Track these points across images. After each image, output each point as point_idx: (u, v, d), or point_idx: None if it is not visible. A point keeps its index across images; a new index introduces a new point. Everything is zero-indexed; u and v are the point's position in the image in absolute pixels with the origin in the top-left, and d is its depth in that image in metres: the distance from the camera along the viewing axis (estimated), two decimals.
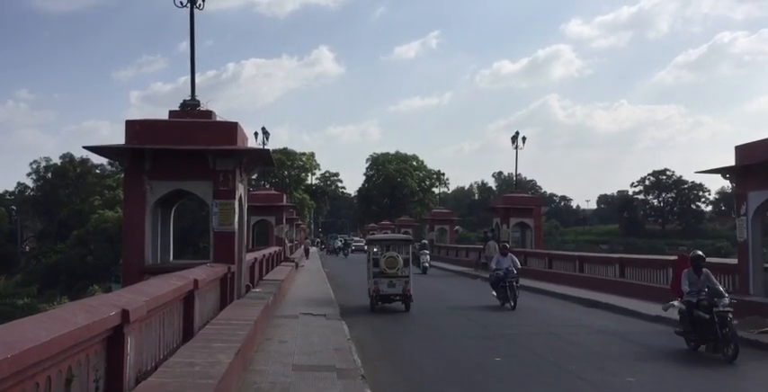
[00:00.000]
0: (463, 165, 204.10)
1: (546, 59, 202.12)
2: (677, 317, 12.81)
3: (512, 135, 38.41)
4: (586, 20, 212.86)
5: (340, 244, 64.66)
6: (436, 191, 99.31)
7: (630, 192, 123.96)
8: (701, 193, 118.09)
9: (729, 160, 16.78)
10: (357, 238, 76.92)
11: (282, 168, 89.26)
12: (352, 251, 61.33)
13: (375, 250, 19.55)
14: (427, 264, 35.55)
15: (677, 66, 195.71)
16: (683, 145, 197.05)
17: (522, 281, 25.34)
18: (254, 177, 28.19)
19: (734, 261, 17.65)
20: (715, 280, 12.54)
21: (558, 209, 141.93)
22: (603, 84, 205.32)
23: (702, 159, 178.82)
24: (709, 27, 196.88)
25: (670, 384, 9.89)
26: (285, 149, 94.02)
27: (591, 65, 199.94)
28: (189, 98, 13.86)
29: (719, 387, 9.71)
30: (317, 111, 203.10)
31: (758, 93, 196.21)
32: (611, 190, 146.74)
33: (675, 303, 12.74)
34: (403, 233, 59.65)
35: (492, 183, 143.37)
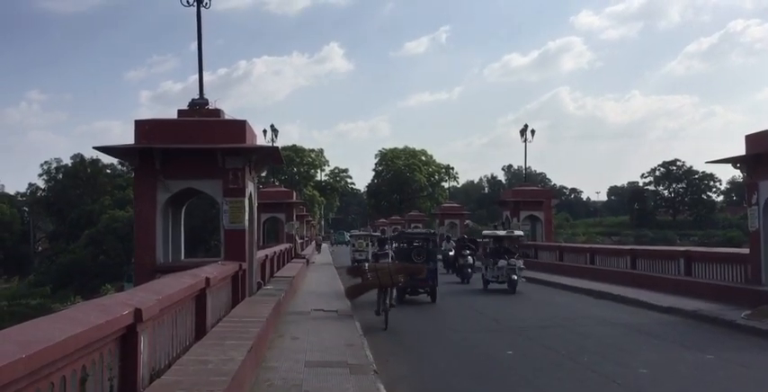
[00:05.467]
0: (473, 159, 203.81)
1: (556, 52, 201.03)
2: (686, 308, 12.77)
3: (521, 128, 38.34)
4: (596, 11, 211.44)
5: (348, 239, 75.37)
6: (445, 185, 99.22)
7: (641, 183, 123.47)
8: (712, 183, 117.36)
9: (742, 150, 16.70)
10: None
11: (291, 165, 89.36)
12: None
13: (356, 240, 38.16)
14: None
15: (688, 56, 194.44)
16: (695, 135, 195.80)
17: (533, 274, 25.42)
18: (263, 174, 28.26)
19: (746, 250, 17.59)
20: None
21: (569, 202, 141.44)
22: (614, 76, 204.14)
23: (715, 149, 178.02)
24: (720, 16, 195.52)
25: (683, 375, 9.87)
26: (294, 146, 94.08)
27: (601, 56, 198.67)
28: (197, 97, 13.91)
29: (732, 378, 9.68)
30: (326, 107, 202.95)
31: None
32: (622, 181, 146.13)
33: None
34: (413, 227, 61.79)
35: (502, 177, 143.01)
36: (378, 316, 14.34)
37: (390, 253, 18.29)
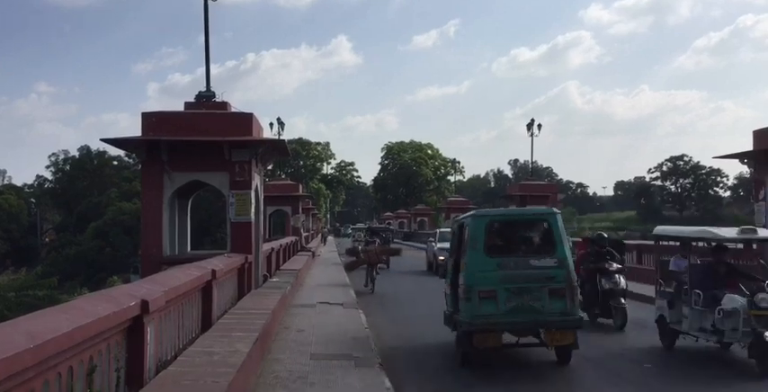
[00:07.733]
0: (479, 154, 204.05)
1: (565, 46, 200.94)
2: None
3: (528, 122, 38.19)
4: (606, 5, 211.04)
5: (349, 231, 77.96)
6: (452, 179, 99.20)
7: (647, 179, 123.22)
8: (719, 179, 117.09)
9: (750, 145, 16.62)
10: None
11: (298, 158, 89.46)
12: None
13: (355, 232, 41.49)
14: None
15: (697, 51, 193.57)
16: (704, 130, 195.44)
17: None
18: (269, 168, 28.29)
19: None
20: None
21: (575, 197, 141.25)
22: (623, 71, 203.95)
23: (723, 145, 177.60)
24: (731, 11, 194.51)
25: (688, 370, 9.86)
26: (300, 139, 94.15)
27: (610, 51, 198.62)
28: (205, 90, 13.91)
29: (738, 374, 9.66)
30: (334, 101, 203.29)
31: None
32: (629, 176, 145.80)
33: None
34: (419, 221, 62.22)
35: (508, 171, 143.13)
36: (366, 286, 20.12)
37: (377, 241, 26.67)
